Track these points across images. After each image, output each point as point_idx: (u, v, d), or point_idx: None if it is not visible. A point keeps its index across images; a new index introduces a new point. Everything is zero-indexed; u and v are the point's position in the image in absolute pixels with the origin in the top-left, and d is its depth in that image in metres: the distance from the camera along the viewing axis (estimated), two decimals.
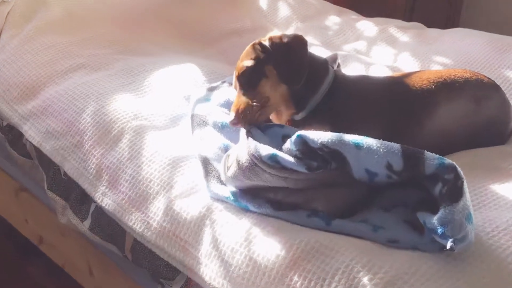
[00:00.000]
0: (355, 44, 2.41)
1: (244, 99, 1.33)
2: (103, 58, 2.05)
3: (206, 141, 1.47)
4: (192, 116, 1.70)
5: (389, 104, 1.40)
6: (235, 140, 1.43)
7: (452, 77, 1.43)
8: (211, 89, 1.84)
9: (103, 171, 1.53)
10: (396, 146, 1.13)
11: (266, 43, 1.36)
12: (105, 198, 1.50)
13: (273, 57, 1.34)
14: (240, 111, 1.31)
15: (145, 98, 1.77)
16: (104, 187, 1.51)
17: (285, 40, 1.35)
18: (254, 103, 1.31)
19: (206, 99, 1.78)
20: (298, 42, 1.37)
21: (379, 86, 1.45)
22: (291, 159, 1.17)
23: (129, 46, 2.18)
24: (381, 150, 1.12)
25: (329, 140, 1.13)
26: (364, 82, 1.47)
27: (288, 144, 1.20)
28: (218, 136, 1.53)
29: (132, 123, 1.61)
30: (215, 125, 1.63)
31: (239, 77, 1.36)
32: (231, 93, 1.79)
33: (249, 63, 1.34)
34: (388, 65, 2.17)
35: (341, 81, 1.41)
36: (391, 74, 1.71)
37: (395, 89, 1.43)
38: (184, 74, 1.85)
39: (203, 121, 1.65)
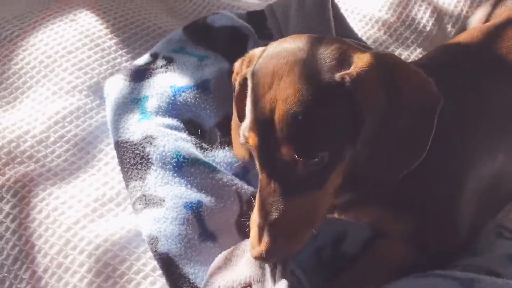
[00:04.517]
0: None
1: (281, 207, 0.82)
2: None
3: (158, 208, 1.04)
4: (118, 145, 1.14)
5: None
6: (209, 186, 1.08)
7: None
8: (137, 76, 1.27)
9: None
10: None
11: (350, 82, 0.82)
12: None
13: (367, 127, 0.83)
14: (277, 238, 0.82)
15: (19, 108, 1.28)
16: None
17: (397, 86, 0.84)
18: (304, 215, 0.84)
19: (133, 100, 1.20)
20: (425, 93, 0.87)
21: None
22: None
23: None
24: None
25: None
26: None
27: None
28: (177, 189, 1.07)
29: (6, 175, 1.13)
30: (165, 163, 1.10)
31: (288, 171, 0.83)
32: (175, 79, 1.24)
33: (319, 135, 0.81)
34: None
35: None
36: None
37: None
38: (81, 36, 1.41)
39: (142, 157, 1.11)
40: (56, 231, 1.05)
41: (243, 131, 0.86)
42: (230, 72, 1.28)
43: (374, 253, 0.93)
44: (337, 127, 0.81)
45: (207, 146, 1.17)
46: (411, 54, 1.47)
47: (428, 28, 1.52)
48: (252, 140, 0.84)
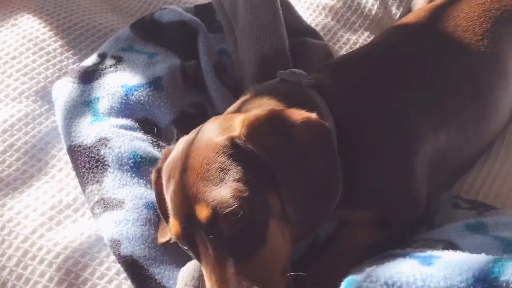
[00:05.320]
0: None
1: (234, 277, 0.79)
2: None
3: (118, 210, 1.01)
4: (71, 150, 1.09)
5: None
6: None
7: None
8: (86, 77, 1.22)
9: None
10: None
11: (240, 141, 0.83)
12: None
13: (278, 169, 0.82)
14: None
15: None
16: None
17: (289, 127, 0.85)
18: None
19: (84, 103, 1.16)
20: (312, 129, 0.87)
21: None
22: None
23: None
24: None
25: None
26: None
27: None
28: (136, 189, 1.04)
29: None
30: (121, 165, 1.06)
31: (216, 236, 0.81)
32: (126, 78, 1.20)
33: (240, 197, 0.80)
34: None
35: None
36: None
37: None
38: (24, 40, 1.35)
39: (97, 160, 1.06)
40: (13, 243, 1.00)
41: (170, 226, 0.85)
42: (182, 68, 1.25)
43: (343, 238, 0.93)
44: (245, 180, 0.80)
45: (164, 144, 1.13)
46: (359, 38, 1.47)
47: (373, 12, 1.52)
48: (175, 227, 0.83)
